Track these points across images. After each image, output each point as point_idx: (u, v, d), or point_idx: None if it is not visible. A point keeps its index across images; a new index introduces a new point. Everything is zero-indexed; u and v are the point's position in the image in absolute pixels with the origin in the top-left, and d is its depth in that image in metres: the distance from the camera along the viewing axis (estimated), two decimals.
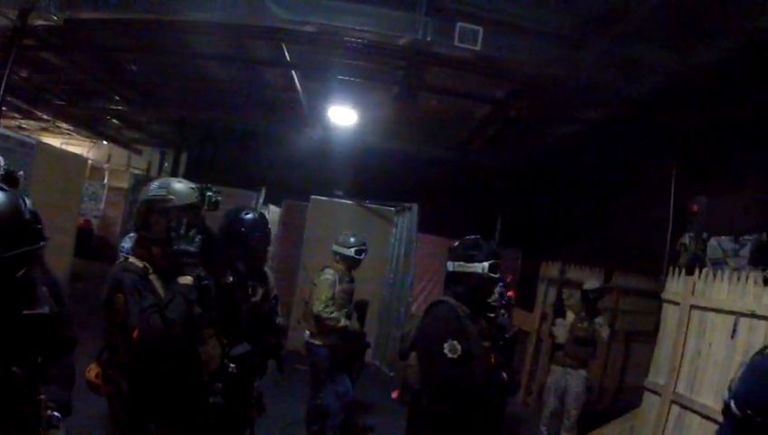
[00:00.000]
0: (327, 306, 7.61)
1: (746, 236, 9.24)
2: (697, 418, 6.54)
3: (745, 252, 9.20)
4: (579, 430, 9.15)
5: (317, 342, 7.78)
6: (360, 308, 8.22)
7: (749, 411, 2.16)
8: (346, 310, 7.88)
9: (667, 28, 8.58)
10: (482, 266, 4.52)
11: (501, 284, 7.62)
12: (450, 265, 4.66)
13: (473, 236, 4.76)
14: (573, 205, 17.27)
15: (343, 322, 7.71)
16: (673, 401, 7.09)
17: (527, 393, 11.69)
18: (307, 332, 7.95)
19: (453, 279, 4.67)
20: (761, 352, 2.37)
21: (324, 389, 7.84)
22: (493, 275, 4.58)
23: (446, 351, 4.21)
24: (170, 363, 3.72)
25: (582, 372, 8.97)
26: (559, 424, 9.16)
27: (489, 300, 4.97)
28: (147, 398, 3.76)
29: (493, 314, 5.76)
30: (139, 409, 3.78)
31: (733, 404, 2.24)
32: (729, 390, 2.32)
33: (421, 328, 4.62)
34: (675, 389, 7.11)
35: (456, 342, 4.24)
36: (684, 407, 6.84)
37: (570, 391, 8.95)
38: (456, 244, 4.77)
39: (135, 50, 12.53)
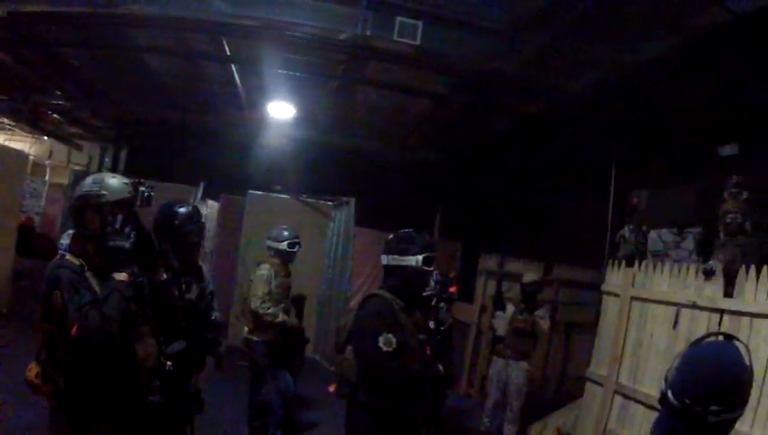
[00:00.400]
0: (263, 302, 7.55)
1: (688, 229, 9.38)
2: (641, 407, 6.62)
3: (687, 244, 9.34)
4: (522, 421, 9.21)
5: (255, 338, 7.71)
6: (298, 303, 8.22)
7: (686, 401, 2.18)
8: (283, 305, 7.84)
9: (607, 25, 8.66)
10: (416, 259, 4.50)
11: (437, 276, 7.66)
12: (385, 259, 4.65)
13: (407, 230, 4.76)
14: (514, 198, 17.39)
15: (281, 317, 7.65)
16: (616, 392, 7.17)
17: (469, 385, 11.76)
18: (245, 328, 7.88)
19: (388, 272, 4.66)
20: (696, 342, 2.41)
21: (265, 385, 7.80)
22: (427, 267, 4.55)
23: (380, 344, 4.21)
24: (108, 360, 3.65)
25: (523, 364, 9.01)
26: (502, 415, 9.19)
27: (424, 293, 4.96)
28: (85, 396, 3.68)
29: (431, 307, 5.76)
30: (78, 407, 3.69)
31: (670, 394, 2.24)
32: (666, 380, 2.31)
33: (356, 322, 4.63)
34: (617, 379, 7.19)
35: (390, 335, 4.24)
36: (627, 397, 6.92)
37: (511, 382, 9.00)
38: (391, 237, 4.77)
39: (77, 44, 12.30)
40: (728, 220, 7.39)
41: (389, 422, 4.34)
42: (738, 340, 2.46)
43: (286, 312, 7.85)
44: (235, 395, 8.80)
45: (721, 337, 2.47)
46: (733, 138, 9.63)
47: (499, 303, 9.52)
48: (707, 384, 2.19)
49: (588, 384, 7.93)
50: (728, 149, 9.72)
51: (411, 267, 4.52)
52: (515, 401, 8.99)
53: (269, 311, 7.54)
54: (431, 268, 4.61)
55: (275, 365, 7.75)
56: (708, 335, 2.46)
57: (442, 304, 7.50)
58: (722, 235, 7.47)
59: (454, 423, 9.87)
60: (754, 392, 5.31)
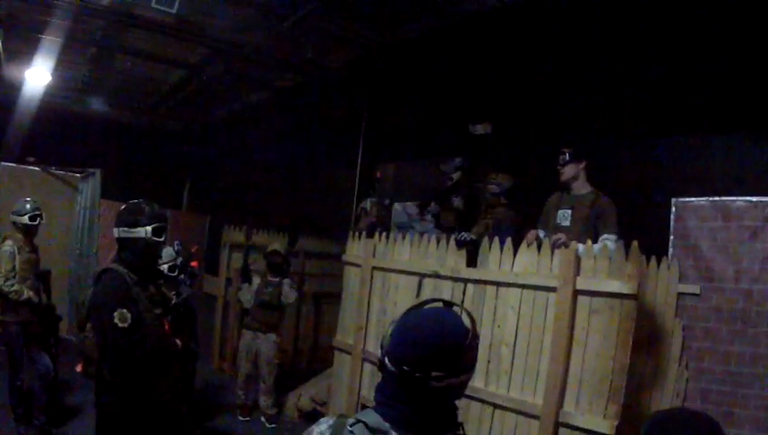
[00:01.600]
0: (8, 279, 7.25)
1: (427, 209, 9.75)
2: None
3: (430, 216, 9.72)
4: (276, 392, 9.34)
5: (8, 319, 7.38)
6: (43, 279, 7.92)
7: (405, 368, 2.17)
8: (29, 281, 7.53)
9: (371, 5, 8.86)
10: (145, 230, 4.46)
11: (178, 246, 7.58)
12: (116, 232, 4.55)
13: (136, 201, 4.67)
14: (261, 171, 17.41)
15: (26, 293, 7.36)
16: (364, 359, 7.42)
17: (221, 359, 11.68)
18: None
19: (120, 245, 4.57)
20: (411, 309, 2.38)
21: (22, 369, 7.49)
22: (157, 238, 4.52)
23: (116, 320, 4.14)
24: None
25: (272, 336, 9.11)
26: (256, 387, 9.29)
27: (161, 264, 4.90)
28: None
29: (172, 279, 5.68)
30: None
31: (387, 361, 2.24)
32: (381, 347, 2.30)
33: (92, 298, 4.52)
34: (364, 347, 7.44)
35: (125, 310, 4.19)
36: (375, 364, 7.10)
37: (261, 354, 9.09)
38: (121, 209, 4.68)
39: None
40: (489, 194, 7.78)
41: (135, 399, 4.31)
42: (457, 305, 2.54)
43: (35, 289, 7.55)
44: None
45: (440, 304, 2.47)
46: (486, 118, 10.07)
47: (245, 275, 9.49)
48: (425, 350, 2.19)
49: (336, 353, 8.09)
50: (480, 128, 10.15)
51: (142, 239, 4.47)
52: (267, 373, 9.09)
53: (13, 288, 7.24)
54: (161, 239, 4.57)
55: (32, 347, 7.48)
56: (425, 302, 2.45)
57: (182, 276, 7.44)
58: (483, 206, 7.83)
59: (209, 398, 9.79)
60: (508, 357, 5.69)
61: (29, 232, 7.71)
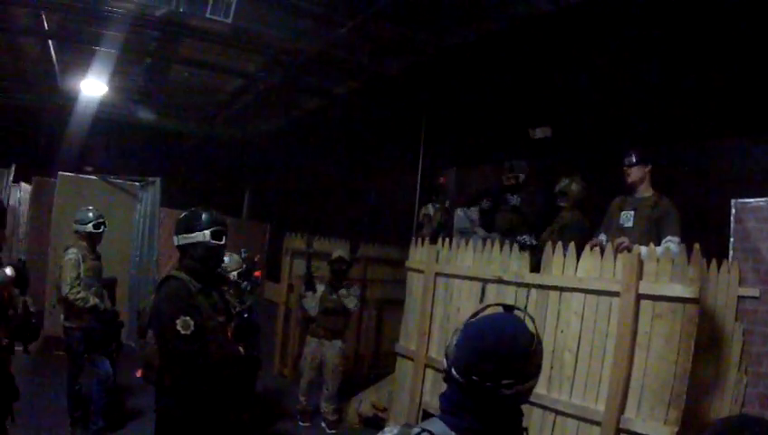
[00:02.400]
0: (73, 287, 7.32)
1: (485, 201, 9.67)
2: None
3: (475, 213, 9.68)
4: (339, 399, 9.33)
5: (71, 324, 7.48)
6: (109, 286, 8.02)
7: (474, 378, 2.17)
8: (95, 289, 7.62)
9: (424, 11, 8.87)
10: (203, 235, 4.50)
11: (244, 253, 7.64)
12: (175, 239, 4.61)
13: (193, 208, 4.71)
14: (323, 178, 17.48)
15: (92, 301, 7.44)
16: (426, 365, 7.39)
17: (282, 365, 11.74)
18: (62, 315, 7.61)
19: (182, 253, 4.63)
20: (473, 316, 2.38)
21: (82, 373, 7.58)
22: (217, 241, 4.55)
23: (178, 327, 4.19)
24: None
25: (338, 343, 9.10)
26: (318, 394, 9.28)
27: (228, 272, 4.91)
28: None
29: (237, 286, 5.72)
30: None
31: (454, 372, 2.23)
32: (446, 357, 2.30)
33: (154, 305, 4.54)
34: (427, 353, 7.42)
35: (188, 318, 4.23)
36: (438, 370, 7.10)
37: (326, 361, 9.06)
38: (179, 217, 4.72)
39: None
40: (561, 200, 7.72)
41: (195, 406, 4.34)
42: (519, 309, 2.49)
43: (99, 296, 7.64)
44: (55, 386, 8.36)
45: (500, 309, 2.45)
46: (545, 121, 10.02)
47: (309, 283, 9.47)
48: (494, 359, 2.19)
49: (399, 359, 8.09)
50: (540, 132, 10.11)
51: (201, 243, 4.50)
52: (331, 379, 9.08)
53: (80, 296, 7.32)
54: (221, 242, 4.59)
55: (93, 352, 7.55)
56: (484, 308, 2.45)
57: (246, 284, 7.49)
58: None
59: (270, 404, 9.82)
60: (570, 363, 5.65)
61: (93, 240, 7.80)
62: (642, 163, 6.25)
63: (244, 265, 7.72)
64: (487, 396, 2.19)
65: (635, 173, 6.27)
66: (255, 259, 9.19)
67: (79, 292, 7.34)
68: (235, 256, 7.60)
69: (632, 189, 6.35)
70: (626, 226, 6.22)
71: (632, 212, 6.23)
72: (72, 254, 7.53)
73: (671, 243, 5.66)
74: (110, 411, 7.75)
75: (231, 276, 7.24)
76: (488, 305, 2.47)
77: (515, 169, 8.70)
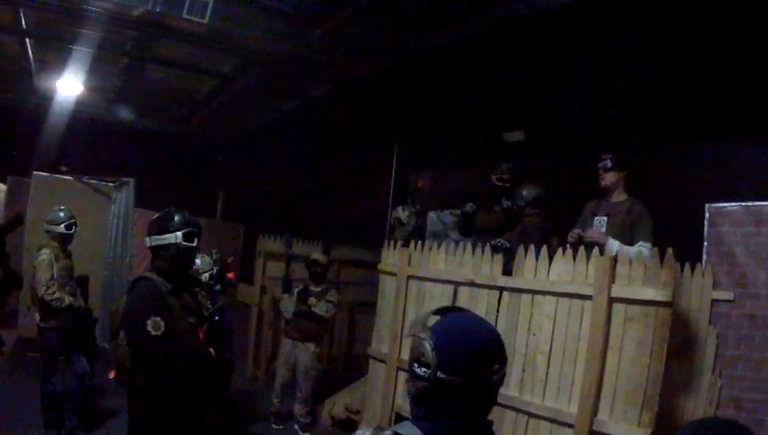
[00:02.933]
0: (48, 287, 7.33)
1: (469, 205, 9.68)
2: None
3: (450, 217, 9.69)
4: (312, 402, 9.33)
5: (47, 325, 7.50)
6: (81, 284, 8.06)
7: (468, 374, 2.14)
8: (68, 288, 7.65)
9: (402, 13, 8.88)
10: (175, 236, 4.51)
11: (215, 254, 7.61)
12: (147, 241, 4.62)
13: (166, 209, 4.73)
14: (295, 180, 17.45)
15: (68, 300, 7.46)
16: (399, 368, 7.40)
17: (255, 367, 11.70)
18: (37, 315, 7.62)
19: (154, 254, 4.66)
20: (437, 321, 2.34)
21: (57, 373, 7.57)
22: (189, 243, 4.57)
23: (149, 328, 4.20)
24: None
25: (311, 346, 9.05)
26: (292, 395, 9.27)
27: (200, 273, 4.92)
28: None
29: (209, 287, 5.72)
30: None
31: (440, 374, 2.16)
32: (420, 363, 2.23)
33: (126, 306, 4.55)
34: (399, 355, 7.43)
35: (158, 318, 4.25)
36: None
37: (300, 364, 9.05)
38: (152, 218, 4.75)
39: None
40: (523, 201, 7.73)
41: (166, 407, 4.36)
42: (453, 307, 2.52)
43: (73, 294, 7.67)
44: (29, 388, 8.29)
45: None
46: (520, 125, 10.04)
47: (287, 285, 9.45)
48: (483, 349, 2.21)
49: (371, 362, 8.10)
50: (514, 136, 10.13)
51: (173, 245, 4.52)
52: (305, 382, 9.06)
53: (55, 296, 7.35)
54: (193, 244, 4.61)
55: (70, 351, 7.57)
56: (435, 311, 2.43)
57: (218, 286, 7.46)
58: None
59: (243, 406, 9.79)
60: (543, 365, 5.68)
61: (65, 240, 7.82)
62: (618, 168, 6.29)
63: (215, 267, 7.69)
64: (478, 388, 2.20)
65: (609, 178, 6.31)
66: (229, 261, 9.16)
67: (54, 292, 7.36)
68: (207, 258, 7.59)
69: (606, 193, 6.38)
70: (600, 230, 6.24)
71: (605, 218, 6.26)
72: (45, 254, 7.53)
73: (644, 248, 5.72)
74: (84, 412, 7.72)
75: (203, 278, 7.22)
76: (437, 309, 2.44)
77: (510, 171, 8.68)
